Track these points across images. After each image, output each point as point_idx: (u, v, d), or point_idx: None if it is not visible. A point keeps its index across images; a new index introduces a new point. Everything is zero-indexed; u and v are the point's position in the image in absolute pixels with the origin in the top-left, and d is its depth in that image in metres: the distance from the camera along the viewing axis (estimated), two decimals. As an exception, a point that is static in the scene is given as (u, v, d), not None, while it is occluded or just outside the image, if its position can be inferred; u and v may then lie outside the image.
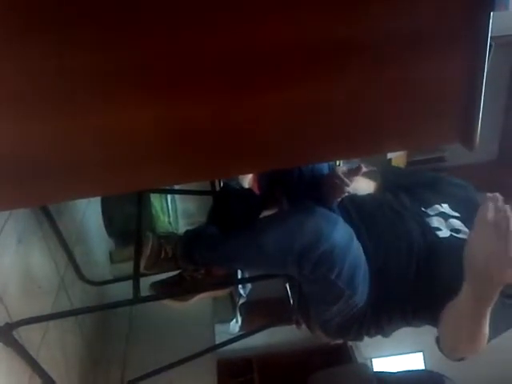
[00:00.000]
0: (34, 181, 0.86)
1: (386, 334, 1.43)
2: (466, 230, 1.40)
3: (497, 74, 2.53)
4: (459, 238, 1.38)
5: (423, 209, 1.47)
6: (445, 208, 1.48)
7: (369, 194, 1.53)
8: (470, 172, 2.80)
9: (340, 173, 1.40)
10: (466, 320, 1.12)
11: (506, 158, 2.90)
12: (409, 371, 1.48)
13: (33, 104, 0.78)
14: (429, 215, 1.44)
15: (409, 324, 1.38)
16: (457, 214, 1.46)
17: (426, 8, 0.78)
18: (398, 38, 0.80)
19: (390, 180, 1.58)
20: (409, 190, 1.53)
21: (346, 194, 1.41)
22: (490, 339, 1.16)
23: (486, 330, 1.11)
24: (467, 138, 0.89)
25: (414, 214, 1.44)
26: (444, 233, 1.39)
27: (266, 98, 0.83)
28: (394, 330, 1.42)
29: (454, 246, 1.32)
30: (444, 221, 1.43)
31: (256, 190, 1.77)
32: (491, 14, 0.76)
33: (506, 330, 1.26)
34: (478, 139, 0.89)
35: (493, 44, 0.81)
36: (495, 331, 1.17)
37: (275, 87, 0.82)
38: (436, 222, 1.42)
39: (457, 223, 1.43)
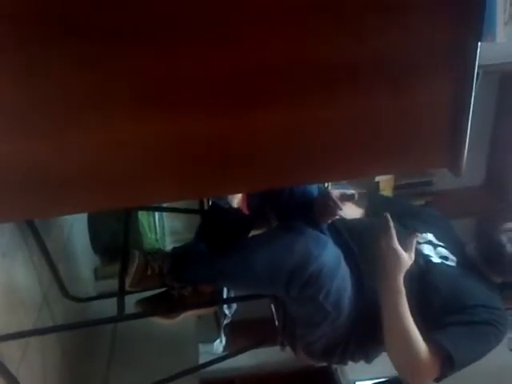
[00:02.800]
0: (21, 194, 0.85)
1: (369, 360, 1.43)
2: (453, 257, 1.42)
3: (483, 101, 2.57)
4: (449, 265, 1.40)
5: None
6: (430, 237, 1.49)
7: (356, 219, 1.54)
8: (457, 197, 2.84)
9: (333, 196, 1.41)
10: (389, 319, 1.25)
11: (493, 183, 2.93)
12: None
13: (28, 118, 0.78)
14: (419, 243, 1.46)
15: None
16: (442, 244, 1.48)
17: (416, 36, 0.79)
18: (387, 65, 0.81)
19: (376, 206, 1.60)
20: (396, 218, 1.55)
21: (337, 218, 1.42)
22: (467, 360, 1.23)
23: (411, 329, 1.22)
24: (454, 163, 0.91)
25: (405, 240, 1.45)
26: (435, 259, 1.41)
27: (257, 118, 0.84)
28: (377, 356, 1.42)
29: (446, 272, 1.34)
30: (433, 248, 1.45)
31: (245, 210, 1.77)
32: (479, 44, 0.78)
33: (485, 350, 1.28)
34: (464, 165, 0.90)
35: (480, 72, 0.83)
36: (471, 352, 1.25)
37: (266, 108, 0.83)
38: (426, 249, 1.44)
39: (444, 251, 1.45)
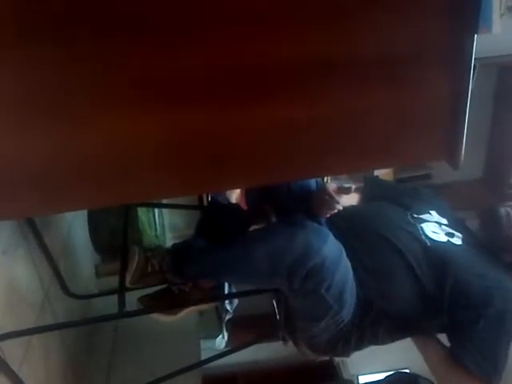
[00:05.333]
0: (21, 192, 0.85)
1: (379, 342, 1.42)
2: (458, 234, 1.42)
3: (481, 94, 2.57)
4: (456, 245, 1.39)
5: (416, 215, 1.48)
6: (434, 215, 1.49)
7: (354, 206, 1.53)
8: (456, 190, 2.84)
9: (331, 190, 1.41)
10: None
11: (492, 176, 2.93)
12: (385, 378, 1.50)
13: (27, 116, 0.78)
14: (424, 221, 1.45)
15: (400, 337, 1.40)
16: (445, 220, 1.48)
17: (413, 30, 0.79)
18: (384, 59, 0.81)
19: (374, 191, 1.59)
20: (396, 201, 1.54)
21: (335, 211, 1.42)
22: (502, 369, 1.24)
23: None
24: (452, 156, 0.91)
25: (406, 223, 1.44)
26: (442, 237, 1.40)
27: (254, 115, 0.84)
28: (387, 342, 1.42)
29: (455, 253, 1.34)
30: (439, 226, 1.45)
31: (243, 206, 1.78)
32: (475, 36, 0.78)
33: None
34: (462, 157, 0.90)
35: (477, 65, 0.83)
36: (501, 360, 1.25)
37: (264, 105, 0.83)
38: (432, 227, 1.44)
39: (449, 229, 1.45)
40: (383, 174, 2.72)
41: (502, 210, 1.42)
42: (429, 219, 1.47)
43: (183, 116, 0.82)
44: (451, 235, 1.43)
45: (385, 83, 0.84)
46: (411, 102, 0.86)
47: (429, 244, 1.36)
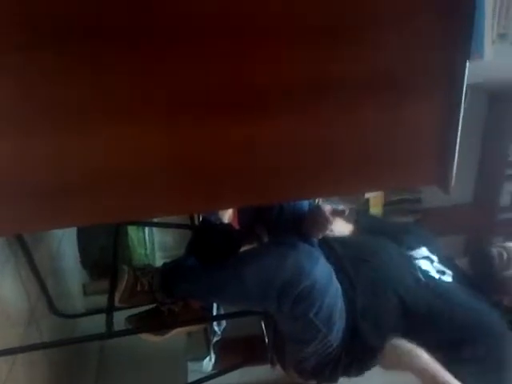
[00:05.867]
0: (11, 207, 0.85)
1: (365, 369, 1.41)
2: (449, 271, 1.43)
3: (472, 119, 2.60)
4: (447, 282, 1.40)
5: (409, 251, 1.49)
6: (425, 251, 1.50)
7: (352, 236, 1.54)
8: (445, 214, 2.85)
9: (325, 211, 1.42)
10: None
11: (481, 200, 2.96)
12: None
13: (27, 125, 0.78)
14: (416, 258, 1.46)
15: None
16: (436, 257, 1.48)
17: (405, 55, 0.81)
18: (375, 83, 0.82)
19: (367, 225, 1.60)
20: (389, 235, 1.55)
21: (327, 233, 1.42)
22: None
23: None
24: (443, 180, 0.92)
25: (401, 256, 1.45)
26: (434, 274, 1.41)
27: (247, 134, 0.84)
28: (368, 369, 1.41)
29: (447, 291, 1.34)
30: (430, 263, 1.45)
31: (236, 226, 1.77)
32: (467, 62, 0.79)
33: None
34: (453, 182, 0.91)
35: (468, 91, 0.84)
36: None
37: (258, 124, 0.84)
38: (424, 264, 1.44)
39: (440, 266, 1.45)
40: (374, 196, 2.74)
41: (494, 251, 1.42)
42: (420, 256, 1.48)
43: (176, 134, 0.83)
44: (442, 273, 1.43)
45: (377, 107, 0.85)
46: (403, 126, 0.87)
47: (424, 280, 1.37)
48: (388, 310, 1.31)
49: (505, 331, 1.30)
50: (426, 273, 1.41)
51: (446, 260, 1.50)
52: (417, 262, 1.44)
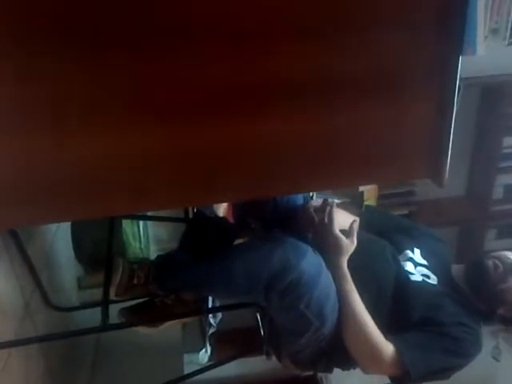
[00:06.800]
0: (7, 203, 0.85)
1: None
2: (434, 277, 1.44)
3: (465, 113, 2.62)
4: (430, 283, 1.41)
5: (399, 253, 1.50)
6: (415, 254, 1.50)
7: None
8: (439, 206, 2.87)
9: (310, 208, 1.42)
10: (342, 306, 1.28)
11: (474, 193, 2.98)
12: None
13: (28, 127, 0.78)
14: (404, 259, 1.47)
15: None
16: (425, 262, 1.49)
17: (399, 51, 0.81)
18: (369, 79, 0.83)
19: (373, 220, 1.60)
20: (384, 234, 1.55)
21: (320, 229, 1.41)
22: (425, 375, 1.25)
23: (364, 315, 1.27)
24: (437, 174, 0.92)
25: (390, 255, 1.46)
26: (417, 277, 1.42)
27: (243, 129, 0.84)
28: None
29: (425, 288, 1.36)
30: (414, 267, 1.46)
31: (230, 219, 1.77)
32: (460, 57, 0.80)
33: (447, 366, 1.30)
34: (447, 175, 0.92)
35: (461, 86, 0.84)
36: (431, 367, 1.26)
37: (253, 119, 0.84)
38: (408, 266, 1.45)
39: (425, 270, 1.46)
40: (368, 189, 2.75)
41: (490, 263, 1.41)
42: (406, 258, 1.49)
43: (172, 130, 0.83)
44: (426, 277, 1.44)
45: (372, 101, 0.85)
46: (397, 120, 0.88)
47: (402, 278, 1.39)
48: (374, 302, 1.33)
49: (477, 329, 1.34)
50: (406, 273, 1.42)
51: (439, 266, 1.49)
52: (402, 263, 1.45)
